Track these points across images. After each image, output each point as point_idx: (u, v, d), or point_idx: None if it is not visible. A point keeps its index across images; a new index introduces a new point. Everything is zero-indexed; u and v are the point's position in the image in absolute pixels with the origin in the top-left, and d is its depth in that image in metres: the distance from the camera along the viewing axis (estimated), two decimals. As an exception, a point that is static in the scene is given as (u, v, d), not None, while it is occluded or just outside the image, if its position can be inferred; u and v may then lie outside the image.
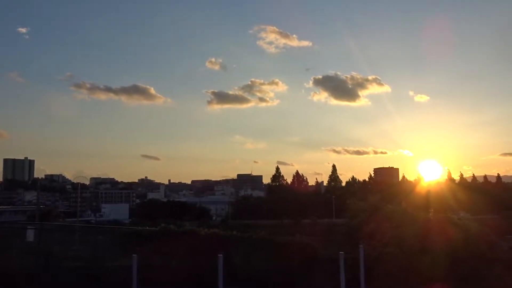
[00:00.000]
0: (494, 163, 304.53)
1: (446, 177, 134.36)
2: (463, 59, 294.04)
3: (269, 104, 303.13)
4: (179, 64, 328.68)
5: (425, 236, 19.69)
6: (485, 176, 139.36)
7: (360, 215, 26.84)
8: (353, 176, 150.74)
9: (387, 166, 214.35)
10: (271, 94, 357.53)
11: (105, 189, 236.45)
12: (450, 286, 15.33)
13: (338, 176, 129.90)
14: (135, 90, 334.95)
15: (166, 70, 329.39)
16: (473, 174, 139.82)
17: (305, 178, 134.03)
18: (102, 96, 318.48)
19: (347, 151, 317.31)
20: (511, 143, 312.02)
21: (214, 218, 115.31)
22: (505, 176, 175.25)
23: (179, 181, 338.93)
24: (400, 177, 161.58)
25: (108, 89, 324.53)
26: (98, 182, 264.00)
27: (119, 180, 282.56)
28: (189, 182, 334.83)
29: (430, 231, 20.23)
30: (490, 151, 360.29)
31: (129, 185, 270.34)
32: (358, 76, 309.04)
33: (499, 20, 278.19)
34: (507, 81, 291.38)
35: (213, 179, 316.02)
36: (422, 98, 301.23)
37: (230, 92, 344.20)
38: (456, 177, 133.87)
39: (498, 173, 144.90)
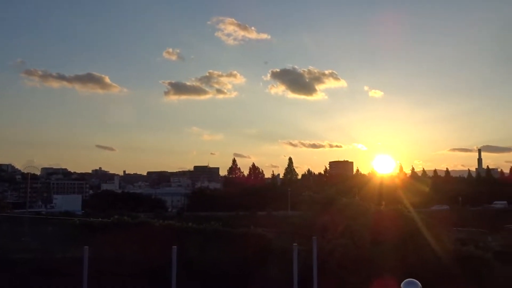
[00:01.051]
0: (443, 158, 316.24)
1: (398, 171, 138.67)
2: (417, 56, 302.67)
3: (227, 96, 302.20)
4: (135, 53, 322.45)
5: (377, 228, 20.24)
6: (435, 170, 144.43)
7: (314, 208, 27.29)
8: (309, 169, 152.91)
9: (342, 160, 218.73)
10: (229, 86, 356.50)
11: (57, 179, 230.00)
12: (398, 276, 15.81)
13: (294, 169, 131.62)
14: (90, 79, 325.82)
15: (122, 59, 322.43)
16: (423, 169, 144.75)
17: (261, 170, 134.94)
18: (55, 84, 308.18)
19: (303, 144, 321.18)
20: (459, 139, 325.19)
21: (170, 210, 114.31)
22: (453, 171, 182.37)
23: (135, 172, 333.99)
24: (355, 171, 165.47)
25: (61, 77, 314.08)
26: (49, 173, 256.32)
27: (72, 171, 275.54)
28: (145, 174, 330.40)
29: (381, 223, 20.80)
30: (439, 146, 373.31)
31: (82, 176, 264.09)
32: (315, 70, 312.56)
33: (453, 18, 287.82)
34: (457, 79, 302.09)
35: (169, 171, 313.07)
36: (376, 93, 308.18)
37: (188, 83, 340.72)
38: (408, 171, 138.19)
39: (447, 168, 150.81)
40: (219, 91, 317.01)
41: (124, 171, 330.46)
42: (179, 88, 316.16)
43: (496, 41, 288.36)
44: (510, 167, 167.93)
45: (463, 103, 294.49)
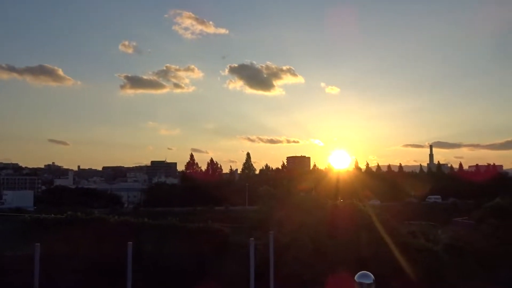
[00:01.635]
0: (396, 154, 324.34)
1: (353, 166, 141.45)
2: (373, 53, 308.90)
3: (184, 90, 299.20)
4: (90, 46, 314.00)
5: (332, 222, 20.61)
6: (388, 166, 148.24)
7: (272, 203, 27.53)
8: (266, 164, 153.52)
9: (299, 155, 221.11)
10: (187, 81, 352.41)
11: (7, 175, 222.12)
12: (353, 269, 16.15)
13: (252, 164, 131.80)
14: (42, 71, 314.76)
15: (76, 51, 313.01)
16: (378, 164, 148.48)
17: (219, 165, 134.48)
18: (4, 76, 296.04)
19: (261, 140, 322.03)
20: (412, 135, 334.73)
21: (126, 205, 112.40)
22: (406, 166, 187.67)
23: (89, 167, 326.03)
24: (312, 166, 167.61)
25: (11, 68, 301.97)
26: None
27: (23, 166, 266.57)
28: (100, 169, 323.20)
29: (337, 217, 21.19)
30: (393, 142, 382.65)
31: (34, 171, 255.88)
32: (273, 66, 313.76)
33: (408, 16, 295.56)
34: (411, 77, 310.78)
35: (125, 166, 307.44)
36: (333, 89, 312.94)
37: (144, 77, 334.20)
38: (363, 166, 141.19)
39: (400, 163, 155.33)
40: (176, 85, 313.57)
41: (79, 166, 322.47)
42: (135, 82, 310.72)
43: (448, 40, 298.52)
44: (459, 162, 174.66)
45: (415, 100, 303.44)
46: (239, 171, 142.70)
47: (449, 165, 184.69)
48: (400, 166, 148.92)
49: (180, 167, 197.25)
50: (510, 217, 26.37)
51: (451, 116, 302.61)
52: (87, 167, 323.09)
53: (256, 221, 27.30)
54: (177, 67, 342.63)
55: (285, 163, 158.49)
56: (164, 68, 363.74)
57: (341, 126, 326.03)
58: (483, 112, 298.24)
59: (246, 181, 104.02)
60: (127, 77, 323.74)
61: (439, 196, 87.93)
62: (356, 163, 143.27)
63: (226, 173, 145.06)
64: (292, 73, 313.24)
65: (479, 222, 27.69)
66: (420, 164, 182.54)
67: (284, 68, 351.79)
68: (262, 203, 29.42)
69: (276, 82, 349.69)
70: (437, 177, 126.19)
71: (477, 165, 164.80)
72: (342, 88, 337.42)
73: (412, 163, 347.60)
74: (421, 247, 19.57)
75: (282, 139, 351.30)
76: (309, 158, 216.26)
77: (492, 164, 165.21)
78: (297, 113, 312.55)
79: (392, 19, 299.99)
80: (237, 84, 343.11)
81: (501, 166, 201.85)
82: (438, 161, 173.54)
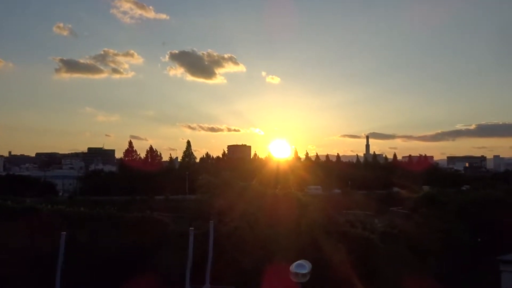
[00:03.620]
0: (335, 144, 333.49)
1: (293, 156, 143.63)
2: (313, 44, 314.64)
3: (123, 76, 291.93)
4: (22, 26, 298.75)
5: (272, 211, 20.79)
6: (327, 156, 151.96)
7: (212, 192, 27.41)
8: (207, 153, 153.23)
9: (240, 144, 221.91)
10: (126, 66, 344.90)
11: None
12: (291, 257, 16.37)
13: (192, 153, 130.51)
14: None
15: (7, 32, 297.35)
16: (317, 153, 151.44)
17: (159, 153, 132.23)
18: None
19: (202, 128, 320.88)
20: (349, 126, 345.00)
21: (61, 194, 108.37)
22: (344, 156, 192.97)
23: (21, 153, 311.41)
24: (252, 155, 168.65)
25: None
26: None
27: None
28: (33, 155, 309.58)
29: (276, 206, 21.41)
30: (331, 132, 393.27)
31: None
32: (215, 54, 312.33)
33: (348, 8, 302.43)
34: (348, 69, 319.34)
35: (60, 152, 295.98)
36: (273, 79, 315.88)
37: (81, 61, 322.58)
38: (302, 156, 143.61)
39: (338, 153, 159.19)
40: (115, 70, 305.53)
41: (10, 152, 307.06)
42: (71, 65, 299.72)
43: (383, 34, 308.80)
44: (393, 153, 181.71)
45: (353, 93, 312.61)
46: (179, 159, 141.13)
47: (384, 155, 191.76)
48: (338, 156, 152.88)
49: (119, 155, 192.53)
50: (439, 206, 27.75)
51: (386, 108, 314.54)
52: (19, 153, 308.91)
53: (196, 210, 27.15)
54: (116, 51, 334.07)
55: (226, 152, 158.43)
56: (102, 52, 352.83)
57: (282, 116, 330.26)
58: (416, 106, 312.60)
59: (187, 170, 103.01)
60: (62, 61, 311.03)
61: (319, 187, 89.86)
62: (296, 152, 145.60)
63: (166, 161, 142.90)
64: (234, 61, 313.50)
65: (412, 211, 28.91)
66: (357, 154, 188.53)
67: (226, 56, 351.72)
68: (202, 192, 29.27)
69: (218, 70, 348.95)
70: (372, 166, 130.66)
71: (410, 155, 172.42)
72: (282, 78, 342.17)
73: (349, 153, 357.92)
74: (358, 236, 20.12)
75: (223, 127, 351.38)
76: (249, 147, 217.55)
77: (423, 155, 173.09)
78: (238, 102, 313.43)
79: (331, 12, 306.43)
80: (178, 71, 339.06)
81: (432, 157, 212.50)
82: (374, 152, 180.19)
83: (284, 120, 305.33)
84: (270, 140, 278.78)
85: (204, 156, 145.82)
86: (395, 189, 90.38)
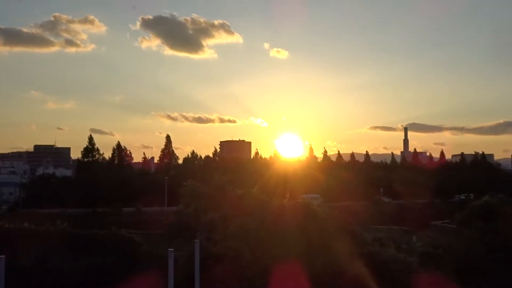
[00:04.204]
0: (362, 138, 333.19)
1: (307, 155, 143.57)
2: (332, 9, 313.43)
3: (80, 49, 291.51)
4: None
5: (278, 227, 20.91)
6: (352, 154, 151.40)
7: (199, 202, 27.57)
8: (193, 151, 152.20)
9: (237, 139, 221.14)
10: (83, 36, 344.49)
11: None
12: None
13: (173, 151, 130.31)
14: None
15: None
16: (338, 152, 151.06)
17: (129, 152, 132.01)
18: None
19: (186, 118, 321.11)
20: (382, 115, 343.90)
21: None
22: (375, 155, 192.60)
23: None
24: (253, 153, 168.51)
25: None
26: None
27: None
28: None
29: (283, 220, 21.51)
30: (357, 123, 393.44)
31: None
32: (201, 20, 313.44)
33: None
34: (380, 39, 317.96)
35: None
36: (279, 53, 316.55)
37: (24, 30, 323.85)
38: (319, 155, 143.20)
39: (366, 151, 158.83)
40: (69, 42, 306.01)
41: None
42: (11, 36, 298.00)
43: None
44: (440, 150, 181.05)
45: (385, 70, 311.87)
46: (156, 160, 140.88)
47: (428, 153, 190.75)
48: (367, 155, 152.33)
49: (75, 154, 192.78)
50: (500, 219, 27.75)
51: (429, 91, 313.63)
52: None
53: (177, 226, 27.30)
54: (70, 17, 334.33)
55: (218, 150, 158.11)
56: (52, 18, 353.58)
57: (291, 102, 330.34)
58: (470, 87, 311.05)
59: (166, 174, 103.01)
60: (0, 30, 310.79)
61: (317, 195, 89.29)
62: (311, 150, 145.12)
63: (139, 163, 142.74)
64: (227, 29, 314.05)
65: (463, 225, 29.00)
66: (392, 153, 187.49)
67: (216, 23, 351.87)
68: (186, 202, 29.41)
69: (206, 42, 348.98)
70: (412, 169, 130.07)
71: (462, 154, 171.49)
72: (291, 51, 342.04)
73: (381, 150, 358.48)
74: (390, 258, 20.22)
75: (213, 117, 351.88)
76: (249, 143, 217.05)
77: (480, 153, 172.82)
78: (234, 83, 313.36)
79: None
80: (153, 43, 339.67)
81: (492, 155, 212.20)
82: (415, 149, 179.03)
83: (295, 107, 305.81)
84: (276, 134, 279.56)
85: (189, 155, 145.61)
86: (460, 196, 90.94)
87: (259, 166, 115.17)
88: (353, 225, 26.49)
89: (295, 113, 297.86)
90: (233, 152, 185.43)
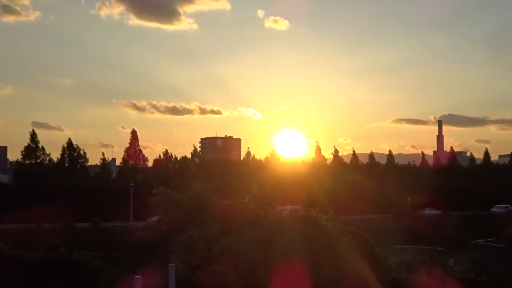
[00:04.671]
0: (383, 134, 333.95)
1: (313, 155, 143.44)
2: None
3: (20, 18, 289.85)
4: None
5: (275, 247, 20.95)
6: (371, 154, 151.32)
7: (174, 215, 27.57)
8: (166, 151, 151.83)
9: (223, 136, 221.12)
10: (25, 1, 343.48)
11: None
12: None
13: (141, 150, 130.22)
14: None
15: None
16: (354, 151, 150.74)
17: (83, 152, 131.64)
18: None
19: (157, 108, 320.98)
20: (410, 104, 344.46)
21: None
22: (400, 155, 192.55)
23: None
24: (244, 153, 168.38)
25: None
26: None
27: None
28: None
29: (282, 239, 21.55)
30: (377, 115, 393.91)
31: None
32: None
33: None
34: (404, 9, 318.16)
35: None
36: (278, 23, 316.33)
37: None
38: (329, 155, 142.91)
39: (389, 150, 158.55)
40: (6, 8, 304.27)
41: None
42: None
43: None
44: (484, 149, 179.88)
45: (412, 46, 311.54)
46: (118, 162, 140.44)
47: (468, 153, 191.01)
48: (390, 155, 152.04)
49: (14, 155, 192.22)
50: None
51: (473, 72, 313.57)
52: None
53: (146, 246, 27.27)
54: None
55: (198, 149, 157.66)
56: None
57: (293, 87, 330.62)
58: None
59: (131, 180, 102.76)
60: None
61: (299, 207, 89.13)
62: (318, 149, 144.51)
63: (95, 166, 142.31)
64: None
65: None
66: (422, 152, 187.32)
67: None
68: (158, 217, 29.43)
69: (183, 8, 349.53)
70: (449, 172, 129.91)
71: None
72: (292, 21, 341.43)
73: (409, 149, 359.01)
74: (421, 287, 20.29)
75: (192, 107, 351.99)
76: (239, 140, 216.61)
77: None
78: (219, 62, 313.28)
79: None
80: (115, 10, 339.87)
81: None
82: (451, 147, 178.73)
83: (297, 95, 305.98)
84: (273, 128, 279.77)
85: (161, 156, 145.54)
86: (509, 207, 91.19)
87: (252, 169, 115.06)
88: (372, 245, 26.58)
89: (297, 101, 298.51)
90: (218, 152, 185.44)
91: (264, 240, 21.74)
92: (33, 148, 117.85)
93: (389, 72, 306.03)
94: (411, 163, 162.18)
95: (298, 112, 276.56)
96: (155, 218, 32.09)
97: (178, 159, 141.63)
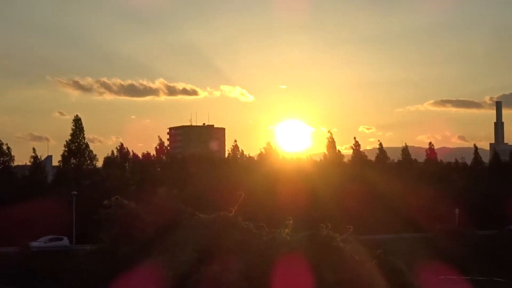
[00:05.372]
0: (422, 121, 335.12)
1: (325, 150, 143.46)
2: None
3: None
4: None
5: (273, 280, 21.11)
6: (404, 148, 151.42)
7: (133, 235, 27.66)
8: (121, 145, 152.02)
9: (200, 124, 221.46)
10: None
11: None
12: None
13: (87, 145, 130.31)
14: None
15: None
16: (380, 144, 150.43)
17: (6, 147, 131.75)
18: None
19: (107, 88, 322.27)
20: (457, 81, 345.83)
21: None
22: (443, 149, 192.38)
23: None
24: (229, 148, 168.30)
25: None
26: None
27: None
28: None
29: (283, 269, 21.69)
30: (413, 96, 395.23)
31: None
32: None
33: None
34: None
35: None
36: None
37: None
38: (346, 150, 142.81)
39: (430, 143, 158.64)
40: None
41: None
42: None
43: None
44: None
45: (464, 5, 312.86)
46: (55, 161, 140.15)
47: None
48: (431, 149, 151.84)
49: None
50: None
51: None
52: None
53: (95, 277, 27.43)
54: None
55: (166, 143, 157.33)
56: None
57: (294, 60, 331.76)
58: None
59: (73, 185, 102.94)
60: None
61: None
62: (331, 142, 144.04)
63: (24, 166, 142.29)
64: None
65: None
66: (475, 145, 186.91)
67: None
68: (111, 236, 29.64)
69: None
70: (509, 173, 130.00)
71: None
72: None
73: (456, 141, 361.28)
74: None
75: (157, 85, 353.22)
76: (221, 130, 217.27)
77: None
78: (192, 26, 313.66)
79: None
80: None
81: None
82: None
83: (301, 68, 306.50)
84: (269, 114, 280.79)
85: (115, 152, 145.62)
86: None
87: (240, 169, 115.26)
88: (407, 275, 26.78)
89: (302, 78, 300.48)
90: (194, 147, 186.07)
91: (257, 269, 21.89)
92: None
93: (428, 37, 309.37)
94: (460, 160, 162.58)
95: (303, 92, 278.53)
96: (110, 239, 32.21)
97: (139, 156, 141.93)
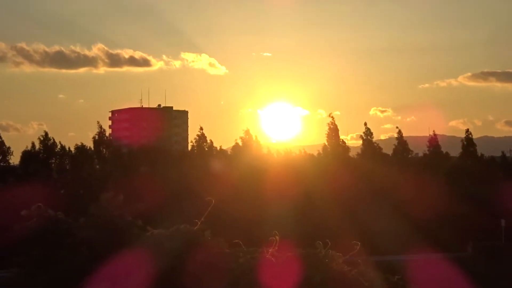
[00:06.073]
0: (454, 101, 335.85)
1: (324, 140, 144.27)
2: None
3: None
4: None
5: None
6: (432, 138, 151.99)
7: (54, 256, 27.70)
8: (46, 134, 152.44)
9: (154, 106, 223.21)
10: None
11: None
12: None
13: (2, 142, 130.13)
14: None
15: None
16: (399, 132, 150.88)
17: None
18: None
19: (27, 57, 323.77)
20: (501, 47, 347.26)
21: None
22: (486, 138, 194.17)
23: None
24: (193, 137, 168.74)
25: None
26: None
27: None
28: None
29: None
30: (442, 67, 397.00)
31: None
32: None
33: None
34: None
35: None
36: None
37: None
38: (353, 140, 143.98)
39: (466, 130, 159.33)
40: None
41: None
42: None
43: None
44: None
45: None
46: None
47: None
48: (468, 139, 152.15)
49: None
50: None
51: None
52: None
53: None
54: None
55: (108, 130, 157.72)
56: None
57: (281, 16, 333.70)
58: None
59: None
60: None
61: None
62: (332, 129, 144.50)
63: None
64: None
65: None
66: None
67: None
68: (27, 258, 29.67)
69: None
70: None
71: None
72: None
73: (500, 129, 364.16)
74: None
75: (94, 52, 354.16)
76: (184, 113, 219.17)
77: None
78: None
79: None
80: None
81: None
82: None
83: (291, 29, 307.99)
84: (248, 92, 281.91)
85: (37, 145, 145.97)
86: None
87: (207, 167, 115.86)
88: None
89: (293, 42, 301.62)
90: (144, 136, 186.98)
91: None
92: None
93: (443, 10, 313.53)
94: (508, 154, 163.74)
95: (294, 62, 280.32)
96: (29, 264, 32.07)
97: (71, 149, 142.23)
